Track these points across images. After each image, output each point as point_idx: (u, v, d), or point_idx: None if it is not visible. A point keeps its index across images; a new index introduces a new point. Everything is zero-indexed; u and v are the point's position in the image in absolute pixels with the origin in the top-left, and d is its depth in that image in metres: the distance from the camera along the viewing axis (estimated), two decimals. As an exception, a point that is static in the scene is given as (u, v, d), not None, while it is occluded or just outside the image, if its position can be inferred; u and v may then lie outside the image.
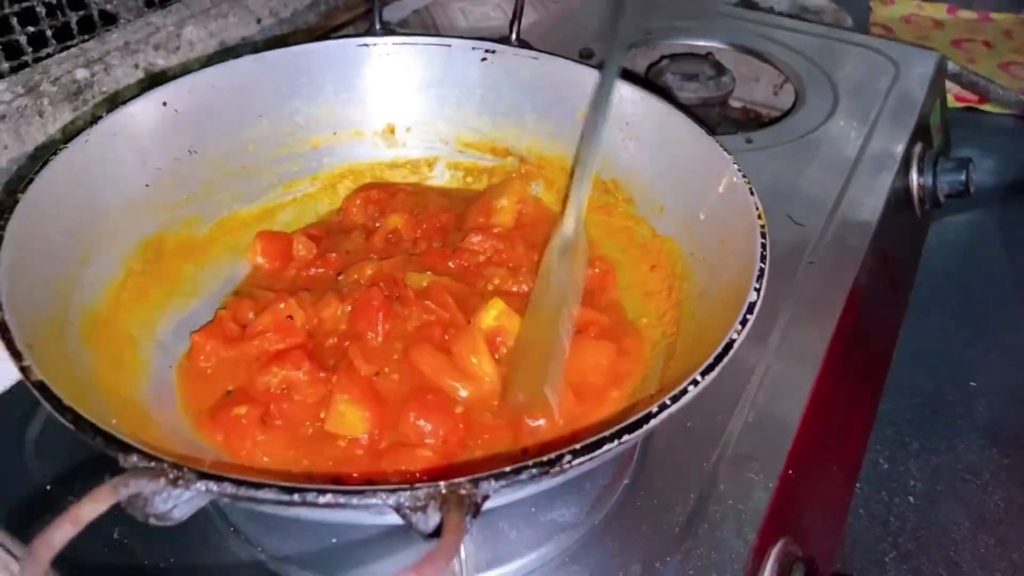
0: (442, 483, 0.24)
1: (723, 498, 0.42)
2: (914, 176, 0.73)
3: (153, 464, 0.24)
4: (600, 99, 0.46)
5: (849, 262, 0.58)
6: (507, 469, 0.25)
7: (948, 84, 0.90)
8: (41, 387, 0.28)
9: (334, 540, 0.37)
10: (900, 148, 0.71)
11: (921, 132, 0.76)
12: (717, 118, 0.81)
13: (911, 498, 0.69)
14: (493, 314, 0.42)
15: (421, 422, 0.38)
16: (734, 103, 0.86)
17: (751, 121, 0.86)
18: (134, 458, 0.24)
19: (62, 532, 0.20)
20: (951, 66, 0.90)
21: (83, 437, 0.26)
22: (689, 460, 0.43)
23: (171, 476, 0.23)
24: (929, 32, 1.16)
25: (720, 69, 0.79)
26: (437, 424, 0.38)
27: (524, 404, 0.39)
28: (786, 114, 0.75)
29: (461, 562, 0.36)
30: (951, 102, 0.95)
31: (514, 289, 0.46)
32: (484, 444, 0.39)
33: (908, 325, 0.75)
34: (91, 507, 0.21)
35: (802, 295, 0.55)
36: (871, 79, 0.80)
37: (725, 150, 0.43)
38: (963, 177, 0.73)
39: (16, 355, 0.29)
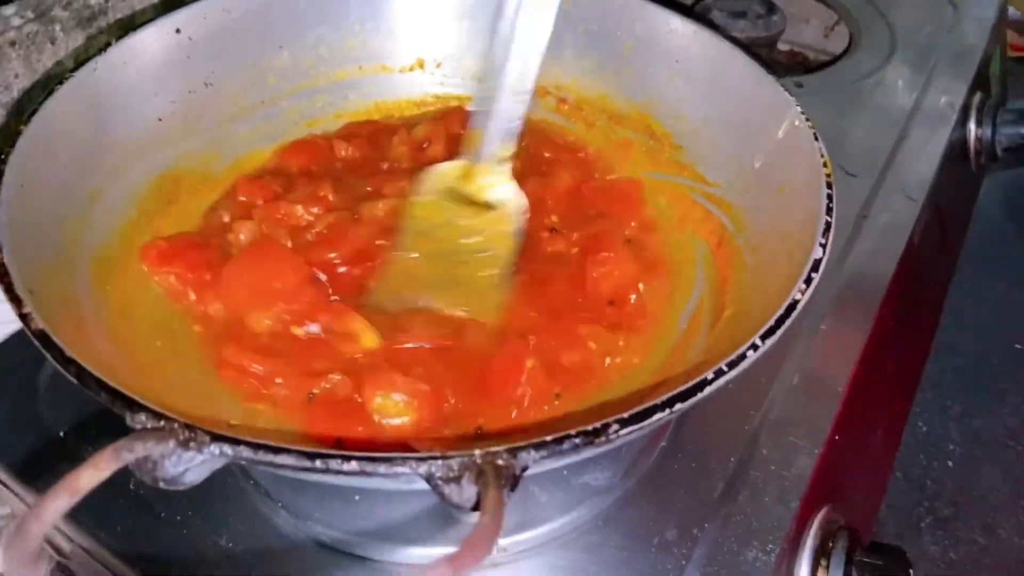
0: (477, 452, 0.22)
1: (765, 463, 0.40)
2: (972, 128, 0.68)
3: (163, 424, 0.22)
4: None
5: (904, 217, 0.54)
6: (548, 439, 0.23)
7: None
8: (42, 337, 0.25)
9: (356, 497, 0.36)
10: (960, 97, 0.66)
11: (981, 81, 0.71)
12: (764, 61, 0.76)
13: (950, 463, 0.67)
14: None
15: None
16: (781, 46, 0.81)
17: (798, 65, 0.81)
18: (142, 417, 0.22)
19: (57, 505, 0.18)
20: (1012, 12, 0.84)
21: (88, 392, 0.24)
22: (730, 424, 0.41)
23: (182, 438, 0.21)
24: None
25: (771, 7, 0.74)
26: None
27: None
28: (839, 57, 0.70)
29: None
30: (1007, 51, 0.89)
31: None
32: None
33: (954, 284, 0.72)
34: (91, 474, 0.19)
35: (855, 251, 0.51)
36: (930, 22, 0.74)
37: (787, 91, 0.39)
38: (1024, 130, 0.68)
39: (16, 301, 0.26)
